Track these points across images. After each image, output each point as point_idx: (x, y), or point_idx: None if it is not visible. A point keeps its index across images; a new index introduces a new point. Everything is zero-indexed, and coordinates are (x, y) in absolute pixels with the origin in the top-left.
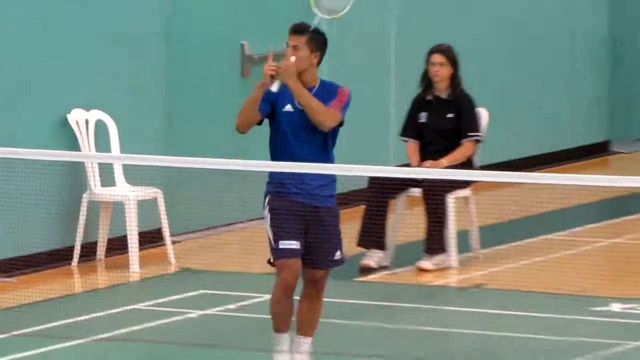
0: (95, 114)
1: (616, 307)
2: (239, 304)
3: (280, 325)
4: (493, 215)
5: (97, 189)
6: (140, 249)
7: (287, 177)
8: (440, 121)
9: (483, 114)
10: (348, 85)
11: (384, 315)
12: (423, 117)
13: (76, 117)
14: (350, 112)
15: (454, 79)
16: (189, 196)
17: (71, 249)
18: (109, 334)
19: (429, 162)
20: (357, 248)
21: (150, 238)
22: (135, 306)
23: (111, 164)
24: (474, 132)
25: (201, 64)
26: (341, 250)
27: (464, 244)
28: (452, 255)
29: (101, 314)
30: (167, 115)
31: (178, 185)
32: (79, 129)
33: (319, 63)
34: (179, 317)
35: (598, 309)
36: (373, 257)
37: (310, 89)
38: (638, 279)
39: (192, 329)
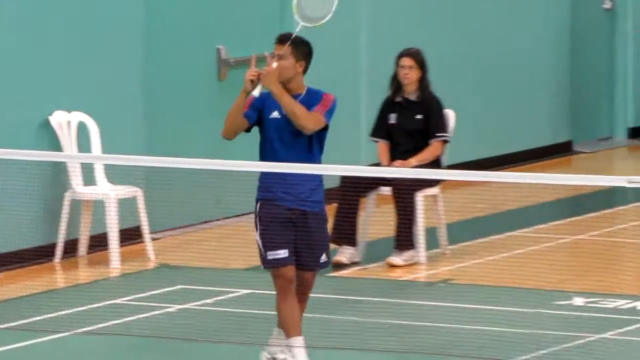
0: (77, 116)
1: (579, 301)
2: (216, 298)
3: (290, 329)
4: (460, 212)
5: (79, 188)
6: (121, 246)
7: (275, 182)
8: (409, 122)
9: (450, 115)
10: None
11: (355, 309)
12: (392, 118)
13: (58, 118)
14: None
15: (423, 82)
16: (167, 195)
17: (54, 245)
18: (90, 328)
19: (398, 162)
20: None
21: (130, 235)
22: (116, 301)
23: (92, 164)
24: (441, 132)
25: (179, 68)
26: (327, 253)
27: (432, 241)
28: (421, 252)
29: (83, 308)
30: (146, 117)
31: (157, 184)
32: (62, 130)
33: (304, 71)
34: (158, 312)
35: (561, 303)
36: (345, 254)
37: (296, 97)
38: (600, 273)
39: (171, 323)
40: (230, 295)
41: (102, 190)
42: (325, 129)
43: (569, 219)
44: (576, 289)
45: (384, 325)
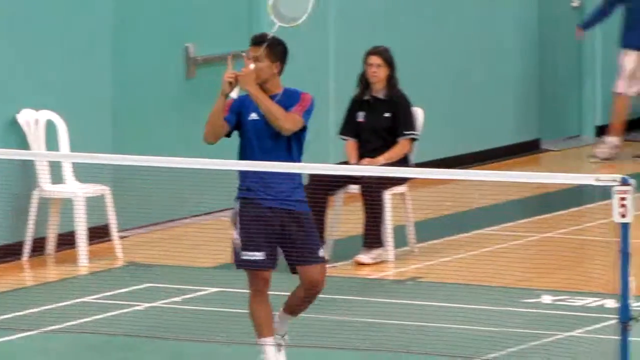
0: (45, 114)
1: (547, 299)
2: (184, 297)
3: (261, 330)
4: (428, 210)
5: (46, 187)
6: (89, 244)
7: (255, 183)
8: (377, 120)
9: (419, 113)
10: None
11: (324, 308)
12: (361, 116)
13: (26, 117)
14: None
15: (391, 80)
16: (135, 193)
17: (22, 244)
18: (58, 326)
19: (366, 160)
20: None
21: (98, 233)
22: (84, 299)
23: (60, 162)
24: (409, 130)
25: (147, 66)
26: (321, 249)
27: (400, 239)
28: (389, 250)
29: (51, 306)
30: (114, 115)
31: (125, 182)
32: (29, 128)
33: (280, 72)
34: (126, 310)
35: (529, 300)
36: None
37: (273, 97)
38: (568, 272)
39: (139, 321)
40: (199, 293)
41: (70, 189)
42: (303, 129)
43: (537, 217)
44: (544, 287)
45: (352, 323)
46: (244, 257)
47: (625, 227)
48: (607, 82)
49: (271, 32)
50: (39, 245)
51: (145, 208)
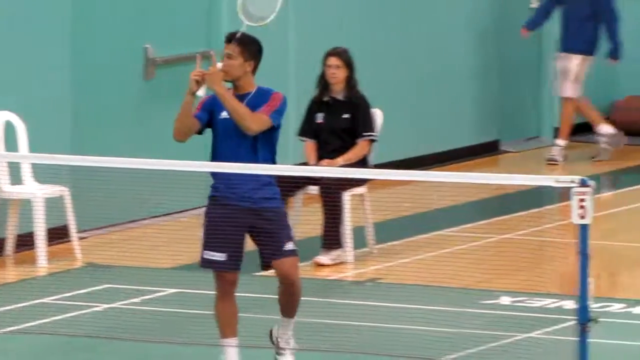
0: (4, 115)
1: (506, 300)
2: (143, 297)
3: (223, 330)
4: (387, 212)
5: (5, 187)
6: (48, 245)
7: (221, 183)
8: (337, 121)
9: (378, 115)
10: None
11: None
12: (320, 117)
13: None
14: None
15: (350, 81)
16: (94, 194)
17: None
18: (17, 327)
19: (325, 161)
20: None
21: (58, 234)
22: (43, 300)
23: (19, 163)
24: (369, 132)
25: (106, 66)
26: (293, 242)
27: (359, 240)
28: (348, 251)
29: (10, 307)
30: (73, 116)
31: (84, 183)
32: None
33: (254, 70)
34: (85, 311)
35: (488, 302)
36: None
37: (245, 95)
38: (527, 273)
39: (98, 321)
40: (157, 294)
41: (29, 190)
42: (273, 129)
43: (496, 218)
44: (503, 288)
45: (311, 324)
46: (205, 257)
47: (584, 228)
48: None
49: (241, 31)
50: None
51: (104, 209)
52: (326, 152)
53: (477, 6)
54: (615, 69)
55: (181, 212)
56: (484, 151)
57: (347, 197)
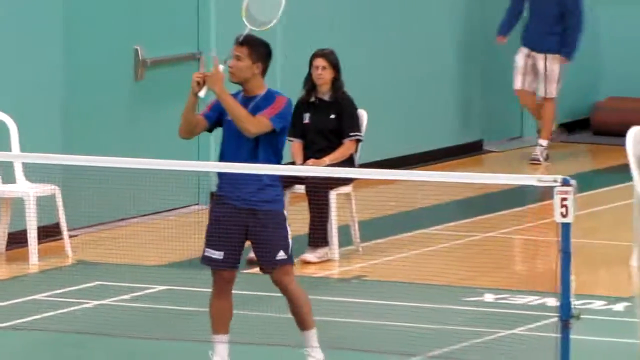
0: None
1: (489, 297)
2: (132, 294)
3: (214, 326)
4: (373, 210)
5: None
6: (39, 243)
7: (225, 184)
8: (323, 122)
9: (363, 115)
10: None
11: (270, 305)
12: (306, 117)
13: None
14: None
15: (336, 82)
16: (85, 192)
17: None
18: (9, 323)
19: (312, 161)
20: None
21: (49, 232)
22: (35, 296)
23: (11, 162)
24: (354, 132)
25: (96, 68)
26: (286, 250)
27: (345, 238)
28: (334, 249)
29: (2, 304)
30: (64, 116)
31: (75, 182)
32: None
33: (263, 73)
34: (76, 307)
35: (471, 299)
36: None
37: (254, 98)
38: (509, 270)
39: (88, 318)
40: (146, 291)
41: (21, 188)
42: (275, 132)
43: (479, 217)
44: (486, 286)
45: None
46: (205, 254)
47: (566, 226)
48: None
49: (244, 34)
50: None
51: (94, 207)
52: (313, 152)
53: (461, 7)
54: (597, 71)
55: (169, 210)
56: (467, 151)
57: (333, 196)
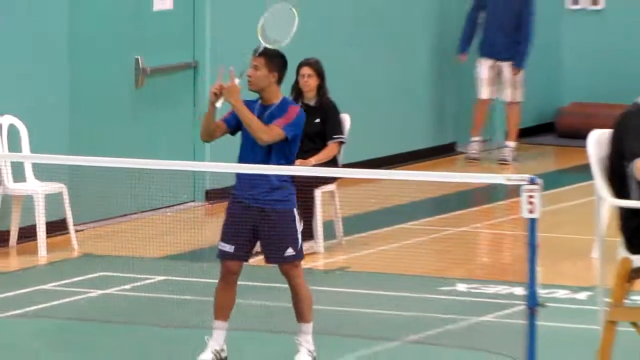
0: (7, 119)
1: (462, 287)
2: (133, 284)
3: (215, 312)
4: (355, 207)
5: (9, 185)
6: (48, 237)
7: (239, 183)
8: (309, 125)
9: (346, 119)
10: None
11: (263, 295)
12: None
13: None
14: None
15: (321, 89)
16: (89, 190)
17: None
18: (19, 311)
19: (299, 161)
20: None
21: (56, 227)
22: (43, 287)
23: (22, 162)
24: (338, 134)
25: (100, 75)
26: (295, 247)
27: (329, 232)
28: (319, 242)
29: (13, 293)
30: (71, 120)
31: (80, 181)
32: None
33: (279, 82)
34: (81, 296)
35: (446, 288)
36: None
37: (270, 106)
38: (481, 262)
39: (93, 306)
40: (147, 281)
41: (30, 187)
42: (287, 140)
43: (453, 213)
44: (459, 276)
45: (285, 308)
46: (219, 247)
47: (532, 222)
48: None
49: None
50: (2, 238)
51: (98, 204)
52: (300, 153)
53: (434, 11)
54: (561, 78)
55: (167, 207)
56: (442, 152)
57: (318, 193)
